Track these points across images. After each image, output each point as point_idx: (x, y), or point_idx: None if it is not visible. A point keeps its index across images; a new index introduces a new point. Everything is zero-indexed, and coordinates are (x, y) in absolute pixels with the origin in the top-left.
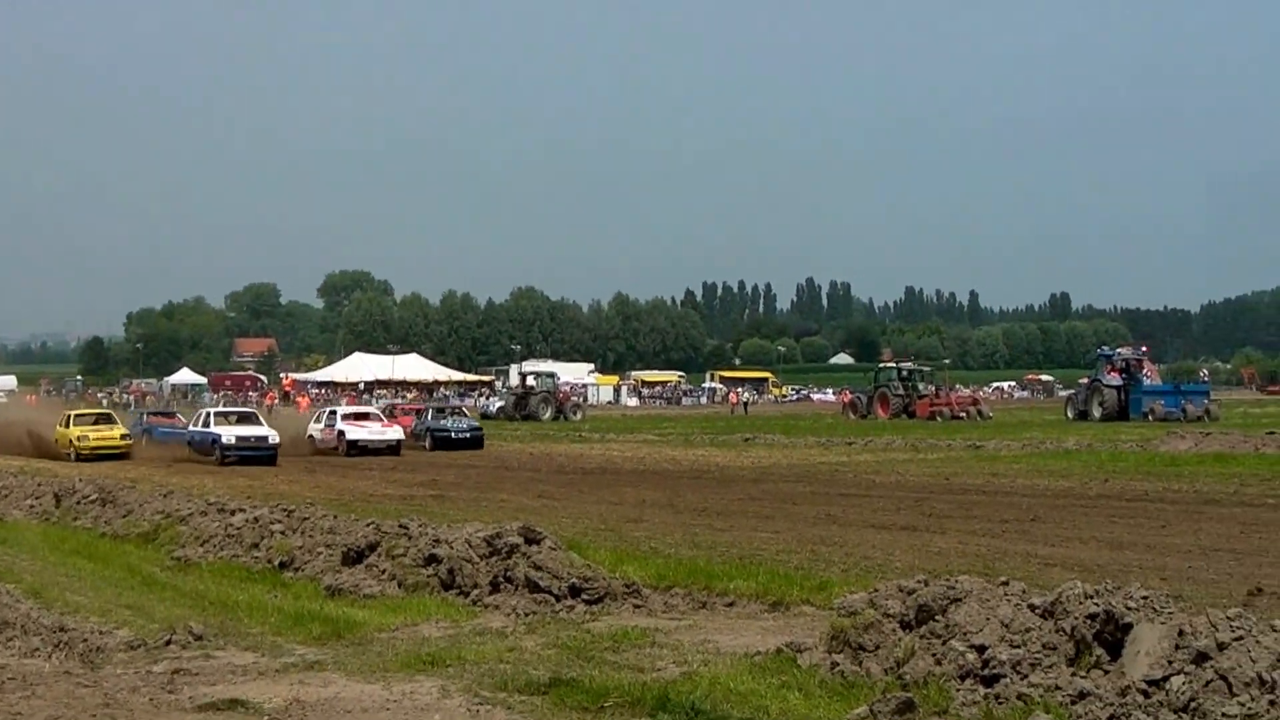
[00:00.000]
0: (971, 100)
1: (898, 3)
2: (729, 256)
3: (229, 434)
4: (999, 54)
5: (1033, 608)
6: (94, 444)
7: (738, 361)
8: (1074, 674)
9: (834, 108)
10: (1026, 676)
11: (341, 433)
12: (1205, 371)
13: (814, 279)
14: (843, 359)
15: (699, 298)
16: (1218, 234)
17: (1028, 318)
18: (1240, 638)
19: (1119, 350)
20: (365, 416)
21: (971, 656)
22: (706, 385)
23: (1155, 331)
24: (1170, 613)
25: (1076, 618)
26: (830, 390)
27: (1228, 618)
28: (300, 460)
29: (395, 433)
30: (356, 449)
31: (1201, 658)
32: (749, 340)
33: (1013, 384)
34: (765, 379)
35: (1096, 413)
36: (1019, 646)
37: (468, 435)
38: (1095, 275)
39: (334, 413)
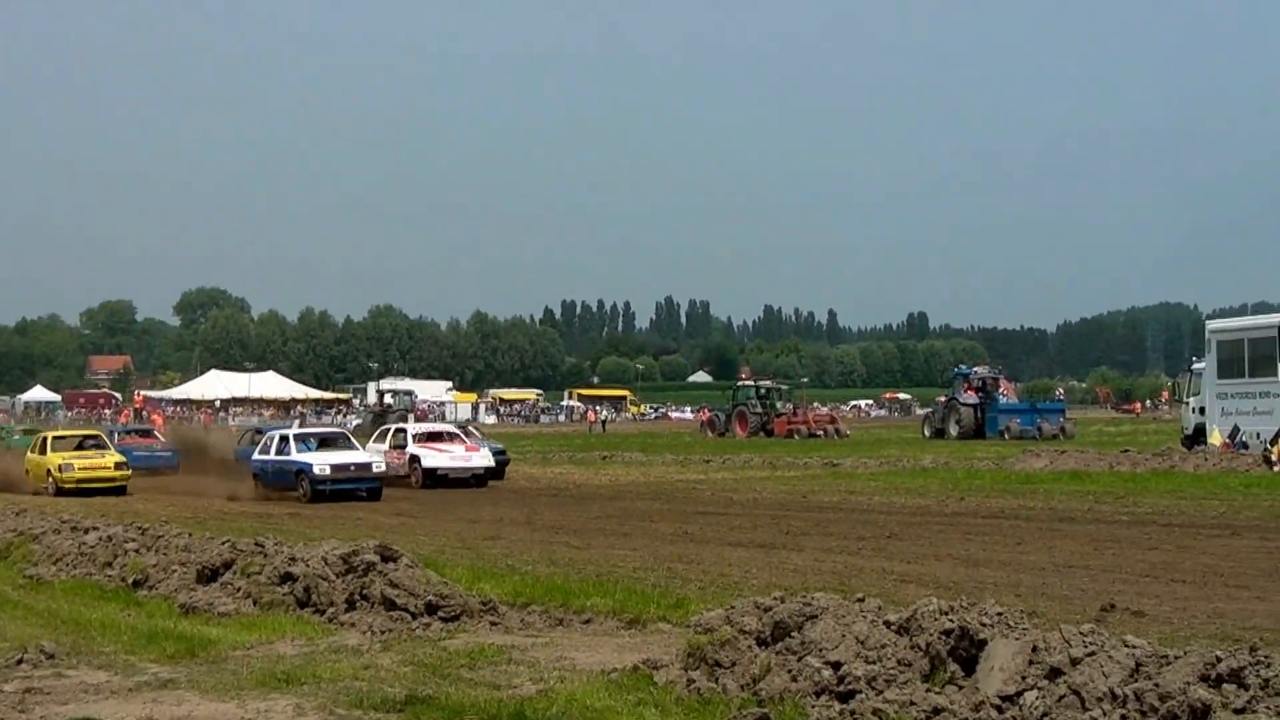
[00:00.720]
0: (827, 117)
1: (751, 13)
2: (588, 275)
3: (321, 463)
4: (846, 71)
5: (888, 624)
6: (81, 475)
7: (596, 379)
8: (929, 690)
9: (692, 124)
10: (882, 693)
11: (416, 458)
12: (1061, 390)
13: (673, 297)
14: (701, 377)
15: (558, 316)
16: (1074, 254)
17: (886, 336)
18: (1093, 653)
19: (976, 369)
20: (441, 437)
21: (827, 673)
22: (565, 403)
23: (1012, 351)
24: (1024, 629)
25: (931, 634)
26: (689, 408)
27: (1081, 633)
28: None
29: (483, 458)
30: (435, 479)
31: (1055, 673)
32: (607, 358)
33: (870, 402)
34: (623, 397)
35: (953, 431)
36: (874, 663)
37: (494, 464)
38: (952, 295)
39: (402, 431)
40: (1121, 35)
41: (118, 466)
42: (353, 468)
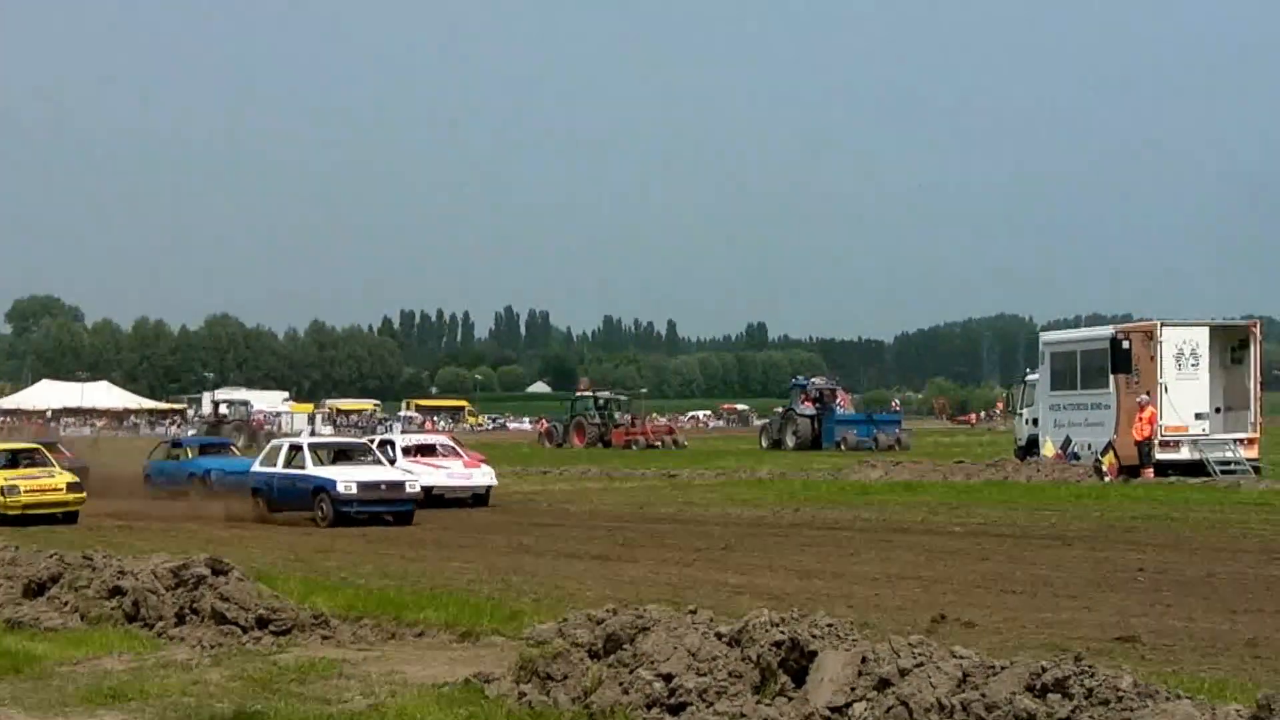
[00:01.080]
0: (666, 125)
1: (567, 14)
2: (427, 285)
3: (347, 479)
4: (682, 80)
5: (720, 636)
6: (28, 500)
7: (434, 390)
8: (759, 702)
9: (532, 132)
10: (712, 705)
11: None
12: (897, 401)
13: (512, 307)
14: (540, 388)
15: (396, 326)
16: (911, 266)
17: (725, 347)
18: (921, 664)
19: (813, 380)
20: (434, 450)
21: (658, 685)
22: (403, 414)
23: (850, 361)
24: (854, 640)
25: (762, 645)
26: (527, 419)
27: (910, 644)
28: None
29: (484, 475)
30: (430, 499)
31: (884, 684)
32: (446, 368)
33: (708, 413)
34: (462, 408)
35: (790, 442)
36: (705, 675)
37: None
38: (791, 306)
39: (389, 444)
40: (963, 43)
41: (70, 488)
42: (384, 486)
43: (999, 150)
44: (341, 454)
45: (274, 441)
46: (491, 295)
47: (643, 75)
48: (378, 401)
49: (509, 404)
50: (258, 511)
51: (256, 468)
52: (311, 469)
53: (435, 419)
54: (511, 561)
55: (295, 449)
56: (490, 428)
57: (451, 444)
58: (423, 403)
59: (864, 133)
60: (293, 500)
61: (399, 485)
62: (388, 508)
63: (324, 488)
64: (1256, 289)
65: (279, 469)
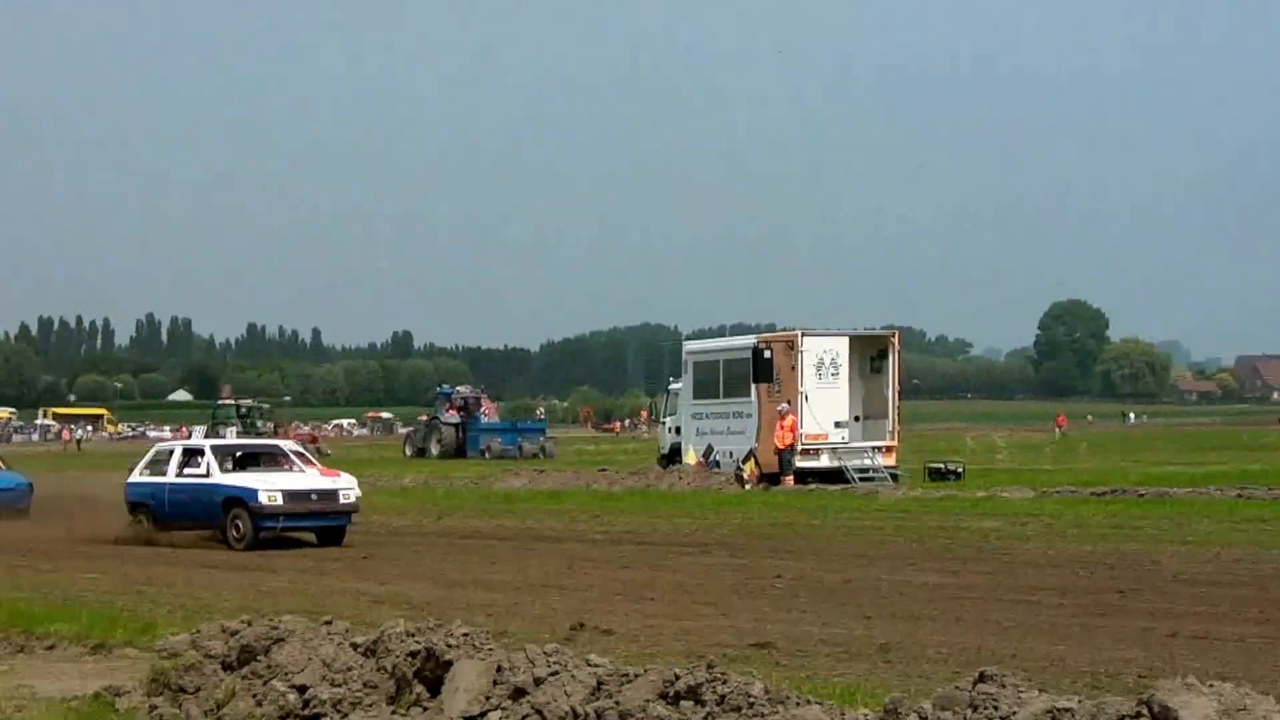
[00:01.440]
0: (285, 127)
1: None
2: (66, 290)
3: (270, 488)
4: (348, 79)
5: (355, 646)
6: None
7: (73, 398)
8: (394, 712)
9: (159, 132)
10: (347, 715)
11: None
12: (542, 410)
13: (154, 314)
14: (182, 395)
15: (34, 332)
16: (556, 276)
17: (370, 355)
18: (556, 673)
19: (458, 388)
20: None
21: (293, 697)
22: (39, 422)
23: (497, 370)
24: (490, 649)
25: (398, 656)
26: (168, 427)
27: (545, 653)
28: None
29: (347, 484)
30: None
31: (519, 693)
32: (86, 376)
33: (353, 421)
34: (101, 415)
35: (434, 450)
36: (340, 685)
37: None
38: (437, 314)
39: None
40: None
41: None
42: (314, 496)
43: (645, 160)
44: (250, 458)
45: (158, 446)
46: (132, 302)
47: (287, 69)
48: (13, 410)
49: (150, 412)
50: (138, 531)
51: (136, 478)
52: (219, 476)
53: (73, 427)
54: (148, 571)
55: (192, 453)
56: (130, 436)
57: (302, 449)
58: (61, 411)
59: (510, 141)
60: (193, 516)
61: (332, 495)
62: (318, 522)
63: (240, 499)
64: (898, 299)
65: (170, 478)
